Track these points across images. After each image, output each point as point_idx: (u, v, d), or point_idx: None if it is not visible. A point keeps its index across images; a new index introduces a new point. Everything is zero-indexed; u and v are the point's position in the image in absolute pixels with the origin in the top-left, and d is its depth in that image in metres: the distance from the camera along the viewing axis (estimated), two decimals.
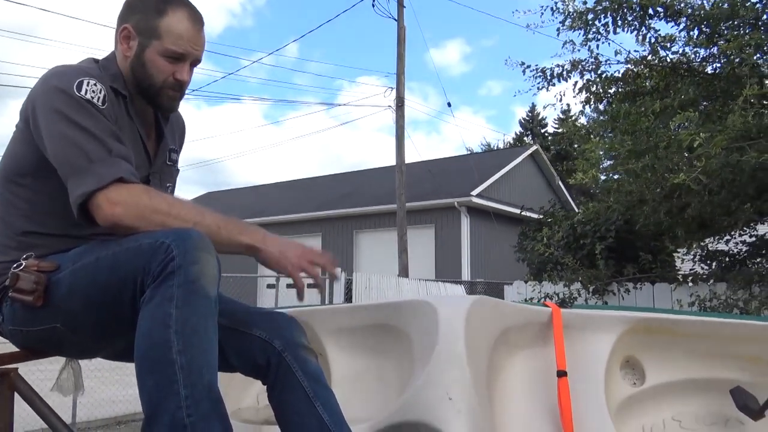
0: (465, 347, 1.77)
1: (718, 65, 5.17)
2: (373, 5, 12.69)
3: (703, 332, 2.07)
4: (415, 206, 16.75)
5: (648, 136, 4.40)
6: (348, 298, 9.84)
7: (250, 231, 1.37)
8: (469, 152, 30.66)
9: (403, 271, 12.10)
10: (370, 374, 2.16)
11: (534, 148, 22.40)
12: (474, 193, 17.53)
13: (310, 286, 1.44)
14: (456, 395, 1.66)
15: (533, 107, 40.53)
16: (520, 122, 41.88)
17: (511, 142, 39.42)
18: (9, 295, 1.33)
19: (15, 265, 1.34)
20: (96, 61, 1.54)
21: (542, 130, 40.00)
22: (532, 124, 40.53)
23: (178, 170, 1.71)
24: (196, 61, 1.53)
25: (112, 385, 6.18)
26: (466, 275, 17.04)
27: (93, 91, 1.36)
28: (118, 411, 6.04)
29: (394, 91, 13.05)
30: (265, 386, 1.53)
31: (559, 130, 37.59)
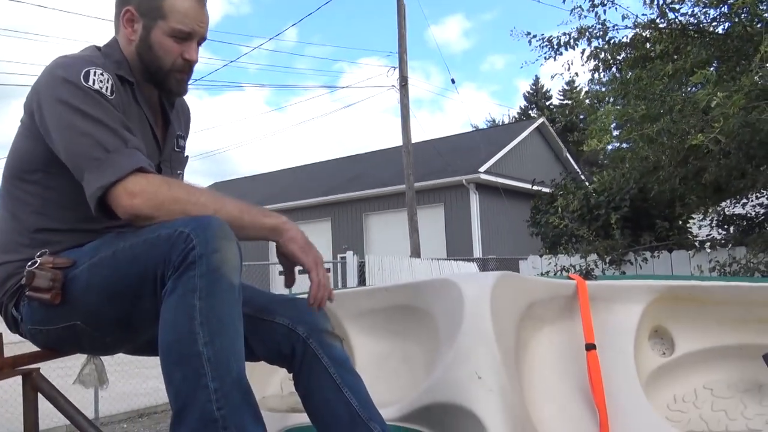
0: (492, 324, 1.74)
1: (729, 24, 5.05)
2: None
3: (733, 298, 2.03)
4: (424, 186, 16.69)
5: (662, 100, 4.30)
6: (362, 280, 9.83)
7: (272, 214, 1.34)
8: (474, 129, 30.51)
9: (415, 252, 12.08)
10: (394, 356, 2.13)
11: (540, 120, 22.21)
12: (482, 169, 17.44)
13: (301, 272, 1.42)
14: (485, 374, 1.63)
15: (537, 80, 40.20)
16: (524, 96, 41.55)
17: (516, 116, 39.14)
18: (26, 294, 1.30)
19: (30, 263, 1.30)
20: (98, 48, 1.48)
21: (547, 103, 39.68)
22: (537, 97, 40.18)
23: (187, 157, 1.67)
24: (202, 39, 1.48)
25: (132, 378, 6.21)
26: (477, 252, 17.02)
27: (101, 81, 1.31)
28: (140, 404, 6.08)
29: (397, 70, 12.92)
30: (291, 374, 1.50)
31: (565, 102, 37.32)
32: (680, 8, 5.32)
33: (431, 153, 18.72)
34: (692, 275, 4.36)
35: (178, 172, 1.61)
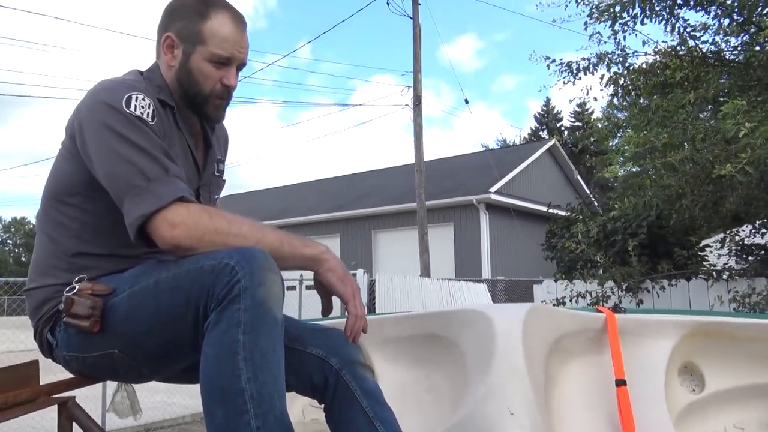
0: (524, 358, 1.70)
1: (752, 53, 5.04)
2: (388, 4, 12.63)
3: (765, 336, 1.99)
4: (434, 204, 16.67)
5: (684, 128, 4.28)
6: (371, 299, 9.78)
7: (312, 244, 1.32)
8: (484, 148, 30.54)
9: (425, 271, 12.02)
10: (420, 386, 2.09)
11: (552, 142, 22.21)
12: (492, 189, 17.42)
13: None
14: (518, 410, 1.60)
15: (548, 101, 40.30)
16: (535, 117, 41.62)
17: (527, 137, 39.18)
18: (63, 320, 1.28)
19: (68, 289, 1.29)
20: (141, 72, 1.48)
21: (558, 124, 39.71)
22: (548, 118, 40.25)
23: (224, 180, 1.66)
24: (241, 65, 1.46)
25: (138, 392, 6.18)
26: (486, 273, 16.94)
27: (142, 107, 1.30)
28: (147, 418, 6.04)
29: (411, 89, 12.97)
30: (321, 405, 1.47)
31: (576, 124, 37.34)
32: (701, 36, 5.31)
33: (441, 172, 18.74)
34: (727, 312, 4.31)
35: (215, 196, 1.60)
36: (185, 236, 1.21)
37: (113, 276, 1.33)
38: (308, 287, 8.59)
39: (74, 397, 1.28)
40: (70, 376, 1.38)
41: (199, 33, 1.40)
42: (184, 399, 6.51)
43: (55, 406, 1.30)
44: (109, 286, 1.29)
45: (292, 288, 8.64)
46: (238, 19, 1.44)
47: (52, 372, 1.47)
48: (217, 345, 1.11)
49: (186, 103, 1.45)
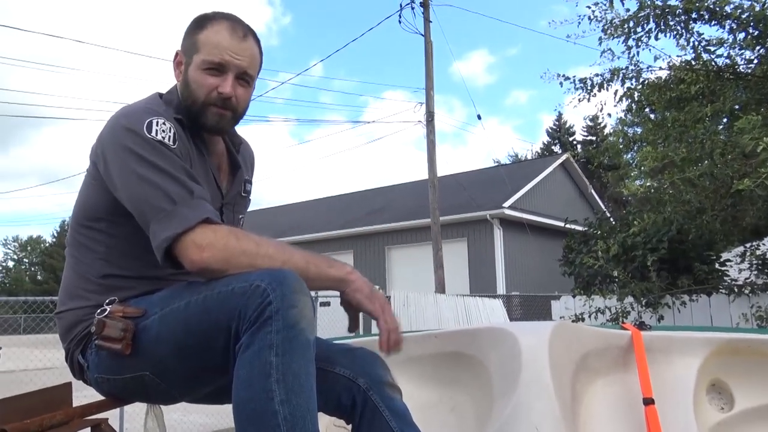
0: (551, 377, 1.69)
1: (767, 67, 5.02)
2: (400, 22, 12.72)
3: None
4: (447, 220, 16.63)
5: (702, 143, 4.26)
6: None
7: (337, 264, 1.32)
8: (496, 163, 30.52)
9: (440, 287, 11.97)
10: (444, 406, 2.08)
11: (565, 156, 22.14)
12: (506, 204, 17.37)
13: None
14: (545, 429, 1.59)
15: (560, 116, 40.26)
16: (547, 131, 41.57)
17: (539, 152, 39.11)
18: (95, 342, 1.29)
19: (99, 311, 1.30)
20: (160, 95, 1.49)
21: (570, 138, 39.63)
22: (560, 132, 40.18)
23: (249, 200, 1.67)
24: (242, 73, 1.41)
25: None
26: (501, 289, 16.83)
27: (163, 131, 1.31)
28: None
29: (424, 106, 13.02)
30: (349, 425, 1.47)
31: (589, 138, 37.22)
32: (716, 50, 5.30)
33: (454, 187, 18.72)
34: (755, 328, 4.24)
35: (240, 216, 1.60)
36: (213, 259, 1.21)
37: (143, 298, 1.34)
38: (322, 304, 8.57)
39: (107, 419, 1.29)
40: (95, 394, 1.39)
41: (195, 43, 1.40)
42: (200, 417, 6.50)
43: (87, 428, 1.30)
44: (140, 308, 1.29)
45: (325, 304, 8.65)
46: (236, 27, 1.41)
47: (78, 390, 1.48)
48: (249, 367, 1.11)
49: (187, 116, 1.42)
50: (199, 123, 1.42)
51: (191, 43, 1.41)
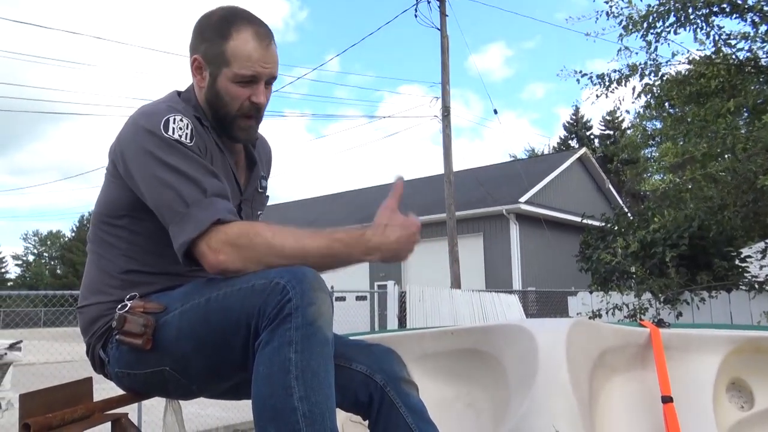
0: (568, 374, 1.68)
1: None
2: (416, 16, 12.68)
3: None
4: (463, 215, 16.59)
5: (723, 138, 4.18)
6: (402, 310, 9.75)
7: (355, 244, 1.28)
8: (513, 158, 30.35)
9: (455, 282, 11.95)
10: (460, 401, 2.08)
11: (582, 151, 21.97)
12: (522, 199, 17.28)
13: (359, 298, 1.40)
14: (563, 426, 1.59)
15: (577, 110, 39.90)
16: (564, 126, 41.22)
17: (556, 146, 38.82)
18: (116, 337, 1.31)
19: (120, 306, 1.31)
20: (179, 93, 1.51)
21: (588, 133, 39.30)
22: (577, 126, 39.84)
23: (268, 196, 1.68)
24: (271, 79, 1.45)
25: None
26: (517, 284, 16.77)
27: (180, 128, 1.32)
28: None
29: (440, 100, 12.97)
30: (366, 421, 1.47)
31: (606, 132, 36.88)
32: (736, 44, 5.21)
33: (470, 182, 18.65)
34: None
35: (258, 212, 1.61)
36: (229, 260, 1.22)
37: (164, 294, 1.35)
38: (337, 299, 8.59)
39: (127, 414, 1.31)
40: (116, 389, 1.41)
41: (222, 54, 1.39)
42: (216, 411, 6.57)
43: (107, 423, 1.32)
44: (161, 304, 1.31)
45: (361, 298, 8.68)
46: (262, 34, 1.41)
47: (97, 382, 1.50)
48: (268, 364, 1.12)
49: (216, 124, 1.45)
50: (230, 134, 1.45)
51: (218, 53, 1.40)
